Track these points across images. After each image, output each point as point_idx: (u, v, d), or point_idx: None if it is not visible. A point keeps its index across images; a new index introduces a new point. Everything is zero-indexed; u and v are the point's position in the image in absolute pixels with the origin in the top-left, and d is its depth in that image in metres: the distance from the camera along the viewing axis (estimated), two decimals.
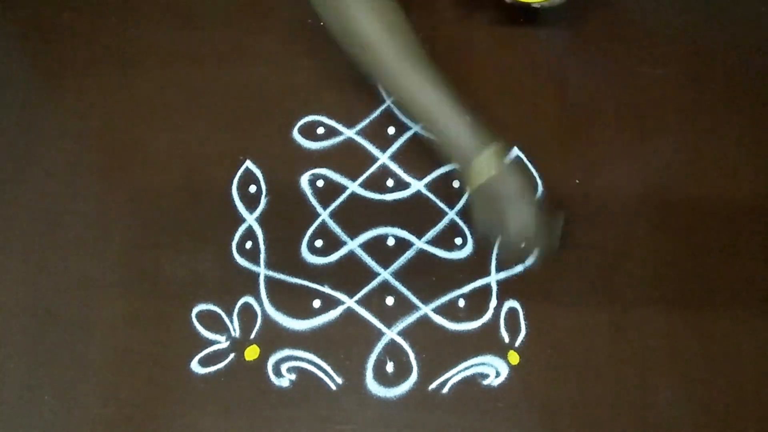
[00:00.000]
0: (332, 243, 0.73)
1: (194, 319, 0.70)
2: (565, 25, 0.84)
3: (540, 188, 0.74)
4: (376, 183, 0.76)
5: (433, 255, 0.72)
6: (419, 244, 0.73)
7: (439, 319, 0.69)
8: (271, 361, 0.68)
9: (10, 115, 0.81)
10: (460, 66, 0.80)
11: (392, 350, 0.68)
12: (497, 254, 0.71)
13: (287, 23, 0.85)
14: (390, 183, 0.76)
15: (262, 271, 0.72)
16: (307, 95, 0.80)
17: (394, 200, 0.75)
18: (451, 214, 0.74)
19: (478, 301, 0.70)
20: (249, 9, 0.87)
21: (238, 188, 0.76)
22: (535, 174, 0.75)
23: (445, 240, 0.73)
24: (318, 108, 0.80)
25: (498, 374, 0.67)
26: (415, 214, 0.74)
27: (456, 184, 0.76)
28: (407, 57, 0.66)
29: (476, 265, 0.72)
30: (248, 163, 0.77)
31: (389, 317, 0.70)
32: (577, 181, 0.75)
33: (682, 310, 0.69)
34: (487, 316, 0.69)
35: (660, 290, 0.70)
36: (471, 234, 0.73)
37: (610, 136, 0.78)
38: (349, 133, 0.78)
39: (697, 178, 0.75)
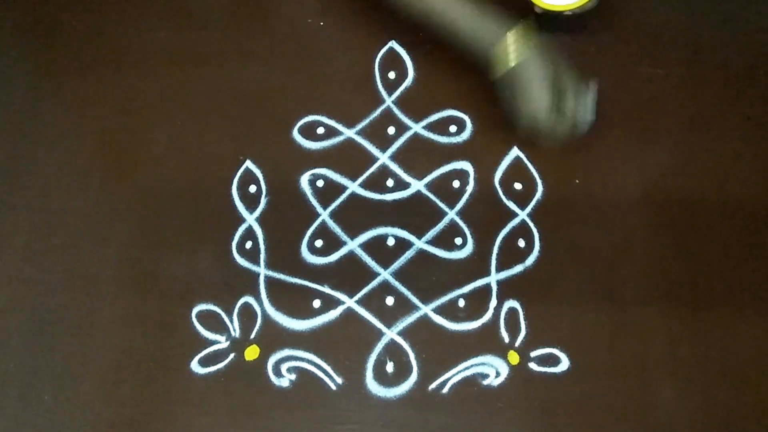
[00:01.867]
0: (332, 243, 0.73)
1: (194, 319, 0.70)
2: (565, 25, 0.84)
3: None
4: (376, 183, 0.76)
5: (433, 255, 0.72)
6: (419, 244, 0.73)
7: (439, 319, 0.69)
8: (271, 361, 0.68)
9: (10, 115, 0.81)
10: (459, 66, 0.80)
11: (392, 350, 0.68)
12: (537, 129, 0.69)
13: (287, 23, 0.85)
14: (390, 183, 0.76)
15: (262, 271, 0.72)
16: (307, 95, 0.80)
17: (394, 200, 0.75)
18: (451, 214, 0.74)
19: (478, 301, 0.70)
20: (249, 9, 0.87)
21: (238, 188, 0.76)
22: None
23: (445, 240, 0.73)
24: (318, 108, 0.80)
25: (498, 374, 0.67)
26: (415, 214, 0.74)
27: (456, 183, 0.76)
28: None
29: (476, 265, 0.72)
30: (248, 163, 0.77)
31: (389, 317, 0.70)
32: (577, 181, 0.75)
33: (682, 310, 0.69)
34: (487, 316, 0.69)
35: (660, 290, 0.70)
36: (471, 235, 0.73)
37: (610, 136, 0.78)
38: (349, 133, 0.78)
39: (697, 178, 0.75)
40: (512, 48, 0.63)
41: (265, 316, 0.70)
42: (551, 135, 0.70)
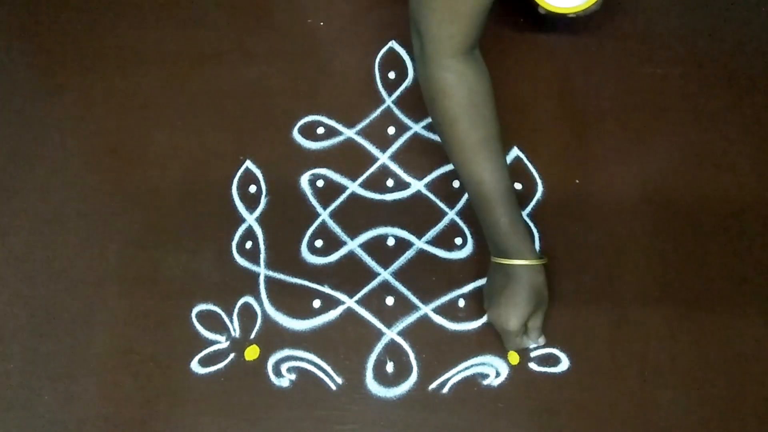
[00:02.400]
0: (332, 243, 0.73)
1: (194, 319, 0.70)
2: (565, 26, 0.84)
3: (540, 189, 0.74)
4: (376, 183, 0.76)
5: (433, 255, 0.72)
6: (419, 244, 0.73)
7: (439, 319, 0.69)
8: (271, 361, 0.68)
9: (10, 115, 0.81)
10: None
11: (392, 350, 0.68)
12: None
13: (287, 23, 0.85)
14: (390, 183, 0.76)
15: (262, 271, 0.72)
16: (307, 95, 0.80)
17: (394, 200, 0.75)
18: (451, 214, 0.74)
19: (478, 301, 0.70)
20: (249, 9, 0.87)
21: (238, 188, 0.76)
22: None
23: (445, 240, 0.73)
24: (318, 108, 0.80)
25: (498, 374, 0.67)
26: (415, 214, 0.74)
27: (456, 183, 0.76)
28: (483, 142, 0.63)
29: (476, 265, 0.72)
30: (248, 163, 0.77)
31: (389, 317, 0.70)
32: (577, 181, 0.75)
33: (682, 310, 0.69)
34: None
35: (660, 290, 0.70)
36: (471, 235, 0.73)
37: (611, 136, 0.78)
38: (349, 133, 0.78)
39: (697, 178, 0.75)
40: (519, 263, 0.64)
41: (265, 316, 0.70)
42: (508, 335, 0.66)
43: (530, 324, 0.65)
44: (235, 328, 0.70)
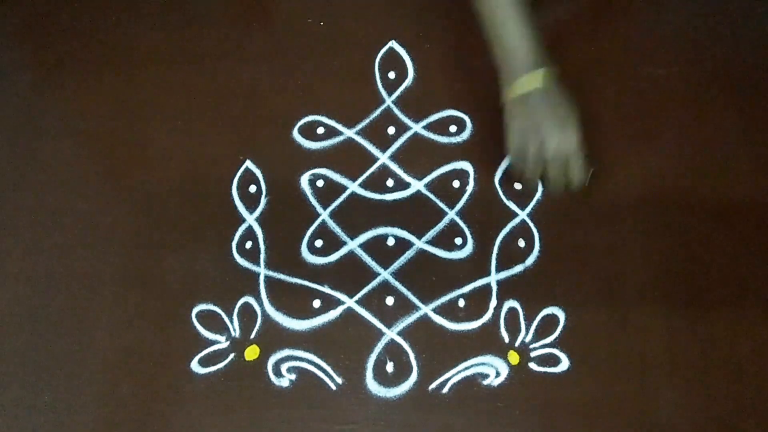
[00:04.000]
0: (332, 243, 0.73)
1: (194, 319, 0.70)
2: (565, 25, 0.84)
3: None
4: (376, 183, 0.76)
5: (433, 255, 0.72)
6: (419, 244, 0.73)
7: (439, 319, 0.69)
8: (271, 361, 0.68)
9: (10, 114, 0.81)
10: (459, 66, 0.80)
11: (392, 350, 0.68)
12: (508, 168, 0.72)
13: (287, 23, 0.85)
14: (390, 183, 0.76)
15: (262, 271, 0.72)
16: (307, 95, 0.80)
17: (394, 200, 0.75)
18: (451, 214, 0.74)
19: (478, 301, 0.70)
20: (249, 9, 0.87)
21: (238, 188, 0.76)
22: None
23: (445, 240, 0.73)
24: (318, 108, 0.80)
25: (498, 374, 0.67)
26: (415, 214, 0.74)
27: (456, 183, 0.76)
28: None
29: (476, 265, 0.72)
30: (248, 163, 0.77)
31: (389, 317, 0.70)
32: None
33: (682, 310, 0.69)
34: (487, 316, 0.69)
35: (660, 290, 0.70)
36: (471, 235, 0.73)
37: (611, 136, 0.78)
38: (349, 133, 0.78)
39: (697, 178, 0.75)
40: (532, 79, 0.67)
41: (265, 316, 0.70)
42: (530, 174, 0.71)
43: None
44: (235, 328, 0.70)
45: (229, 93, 0.81)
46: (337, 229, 0.74)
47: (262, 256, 0.72)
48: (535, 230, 0.73)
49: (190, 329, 0.70)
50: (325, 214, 0.74)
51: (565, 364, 0.67)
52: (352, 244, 0.73)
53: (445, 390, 0.67)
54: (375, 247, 0.73)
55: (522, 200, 0.74)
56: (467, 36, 0.81)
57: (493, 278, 0.71)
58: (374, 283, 0.71)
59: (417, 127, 0.78)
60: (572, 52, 0.83)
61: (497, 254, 0.72)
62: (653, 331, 0.68)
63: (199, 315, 0.70)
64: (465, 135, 0.78)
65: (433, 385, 0.67)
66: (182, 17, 0.86)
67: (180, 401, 0.67)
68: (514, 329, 0.69)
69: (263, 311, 0.70)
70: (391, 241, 0.73)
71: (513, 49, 0.68)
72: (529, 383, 0.67)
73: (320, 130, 0.79)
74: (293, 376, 0.68)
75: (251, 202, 0.75)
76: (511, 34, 0.68)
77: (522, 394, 0.66)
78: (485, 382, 0.67)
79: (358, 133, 0.78)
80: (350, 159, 0.77)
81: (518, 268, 0.71)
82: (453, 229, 0.74)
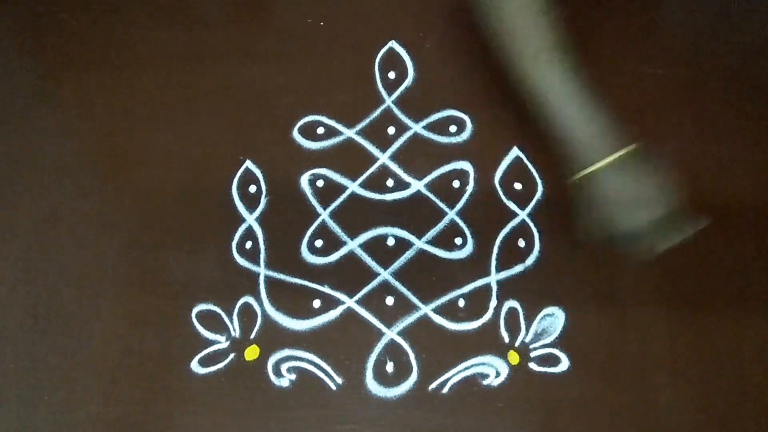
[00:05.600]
0: (332, 243, 0.73)
1: (194, 319, 0.70)
2: (565, 25, 0.83)
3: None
4: (376, 183, 0.76)
5: (433, 255, 0.72)
6: (419, 244, 0.73)
7: (439, 319, 0.69)
8: (271, 361, 0.68)
9: (10, 114, 0.81)
10: (459, 66, 0.80)
11: (392, 350, 0.68)
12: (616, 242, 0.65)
13: (287, 23, 0.85)
14: (390, 183, 0.76)
15: (262, 271, 0.72)
16: (307, 95, 0.80)
17: (394, 200, 0.75)
18: (451, 214, 0.74)
19: (478, 301, 0.70)
20: (249, 9, 0.87)
21: (238, 188, 0.76)
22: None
23: (445, 240, 0.73)
24: (318, 108, 0.80)
25: (498, 374, 0.67)
26: (415, 214, 0.74)
27: (456, 183, 0.76)
28: (547, 47, 0.66)
29: (476, 265, 0.72)
30: (248, 163, 0.77)
31: (389, 317, 0.70)
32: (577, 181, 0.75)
33: (682, 310, 0.69)
34: (487, 316, 0.69)
35: (660, 290, 0.70)
36: (471, 235, 0.73)
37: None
38: (349, 133, 0.78)
39: (696, 178, 0.75)
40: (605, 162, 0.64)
41: (265, 316, 0.70)
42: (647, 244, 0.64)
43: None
44: (235, 328, 0.70)
45: (229, 93, 0.81)
46: (337, 229, 0.74)
47: (262, 256, 0.72)
48: (535, 230, 0.73)
49: (190, 329, 0.70)
50: (325, 214, 0.74)
51: (565, 364, 0.67)
52: (352, 244, 0.73)
53: (445, 390, 0.67)
54: (375, 247, 0.73)
55: (522, 200, 0.74)
56: (467, 36, 0.81)
57: (493, 278, 0.71)
58: (374, 283, 0.71)
59: (417, 127, 0.78)
60: (572, 52, 0.82)
61: (497, 254, 0.72)
62: (653, 331, 0.68)
63: (199, 315, 0.70)
64: (465, 135, 0.78)
65: (433, 385, 0.67)
66: (182, 17, 0.86)
67: (180, 401, 0.67)
68: (514, 329, 0.69)
69: (263, 311, 0.70)
70: (391, 241, 0.73)
71: (578, 135, 0.65)
72: (529, 383, 0.67)
73: (320, 130, 0.79)
74: (293, 376, 0.68)
75: (251, 202, 0.75)
76: (574, 119, 0.65)
77: (522, 394, 0.66)
78: (485, 382, 0.67)
79: (358, 133, 0.78)
80: (350, 159, 0.77)
81: (518, 268, 0.71)
82: (453, 229, 0.74)
